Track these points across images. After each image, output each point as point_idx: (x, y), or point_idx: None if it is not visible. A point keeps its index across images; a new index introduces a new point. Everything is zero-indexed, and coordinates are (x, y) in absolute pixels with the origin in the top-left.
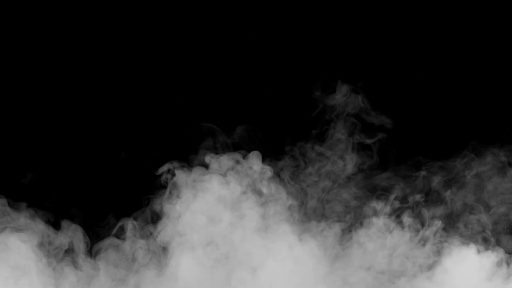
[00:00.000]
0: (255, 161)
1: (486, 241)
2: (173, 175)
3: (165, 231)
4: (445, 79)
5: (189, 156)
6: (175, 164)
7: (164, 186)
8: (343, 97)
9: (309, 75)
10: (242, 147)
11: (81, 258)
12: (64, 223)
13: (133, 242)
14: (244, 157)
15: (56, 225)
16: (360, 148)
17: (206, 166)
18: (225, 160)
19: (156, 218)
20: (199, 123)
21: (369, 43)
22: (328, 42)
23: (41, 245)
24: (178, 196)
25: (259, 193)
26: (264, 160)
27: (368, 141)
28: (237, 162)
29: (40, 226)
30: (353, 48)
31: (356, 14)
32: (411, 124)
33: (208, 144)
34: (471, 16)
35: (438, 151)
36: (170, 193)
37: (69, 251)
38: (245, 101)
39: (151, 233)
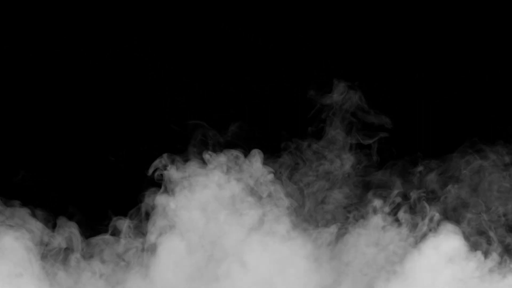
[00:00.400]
0: (254, 159)
1: (483, 239)
2: (167, 172)
3: (158, 228)
4: (445, 79)
5: (186, 153)
6: (169, 160)
7: (159, 183)
8: (340, 96)
9: (309, 75)
10: (236, 145)
11: (76, 256)
12: (60, 222)
13: (126, 240)
14: (244, 155)
15: (52, 224)
16: (357, 146)
17: (202, 163)
18: (222, 158)
19: (149, 215)
20: (198, 122)
21: (369, 43)
22: (327, 42)
23: (35, 243)
24: (172, 193)
25: (256, 191)
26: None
27: (366, 140)
28: (235, 159)
29: (34, 224)
30: (353, 48)
31: (356, 14)
32: (411, 124)
33: (203, 141)
34: (471, 16)
35: (438, 151)
36: (164, 190)
37: (64, 249)
38: (245, 101)
39: (144, 231)
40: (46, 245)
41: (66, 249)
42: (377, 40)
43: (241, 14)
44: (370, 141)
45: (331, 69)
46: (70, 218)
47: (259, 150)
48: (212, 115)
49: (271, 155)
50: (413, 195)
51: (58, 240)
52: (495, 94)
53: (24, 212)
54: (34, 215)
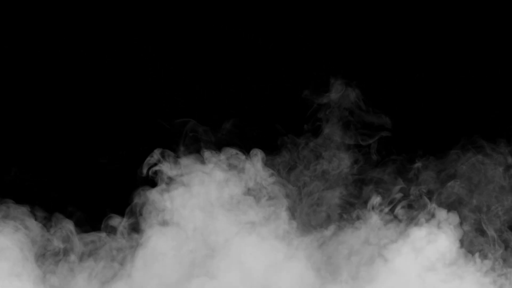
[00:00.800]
0: (254, 158)
1: (480, 237)
2: (162, 169)
3: (152, 226)
4: (445, 79)
5: (181, 151)
6: (164, 158)
7: (154, 180)
8: (338, 95)
9: (309, 75)
10: (233, 143)
11: (71, 254)
12: (56, 220)
13: (120, 237)
14: (242, 153)
15: (49, 222)
16: (356, 145)
17: (199, 161)
18: (220, 156)
19: (144, 213)
20: (188, 120)
21: (369, 43)
22: (327, 42)
23: (31, 241)
24: (167, 191)
25: (254, 190)
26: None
27: (365, 139)
28: (234, 158)
29: (31, 222)
30: (353, 48)
31: (356, 14)
32: (410, 124)
33: (197, 139)
34: (471, 16)
35: (439, 151)
36: (159, 187)
37: (60, 247)
38: (245, 101)
39: (138, 228)
40: (43, 243)
41: (62, 247)
42: (377, 40)
43: (241, 14)
44: (370, 141)
45: (331, 69)
46: (68, 217)
47: (260, 150)
48: (212, 115)
49: (269, 153)
50: (411, 192)
51: (54, 239)
52: (495, 93)
53: (19, 210)
54: (30, 213)
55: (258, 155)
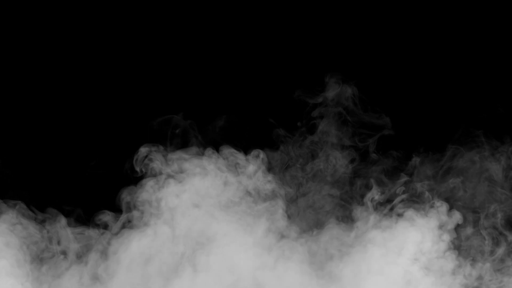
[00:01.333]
0: (252, 158)
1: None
2: (153, 165)
3: (142, 221)
4: (445, 79)
5: (173, 146)
6: (154, 154)
7: (143, 176)
8: (334, 93)
9: (306, 74)
10: (227, 141)
11: (63, 251)
12: (50, 218)
13: (111, 233)
14: (238, 150)
15: (42, 220)
16: (355, 144)
17: (196, 159)
18: (214, 152)
19: (133, 209)
20: (191, 119)
21: (368, 43)
22: (327, 42)
23: (24, 239)
24: (158, 187)
25: (250, 189)
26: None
27: (365, 139)
28: (231, 156)
29: (23, 221)
30: (352, 48)
31: (356, 14)
32: (412, 122)
33: (187, 136)
34: (475, 10)
35: (439, 148)
36: (149, 183)
37: (53, 245)
38: (241, 100)
39: (129, 224)
40: (37, 242)
41: (56, 244)
42: (376, 40)
43: (241, 14)
44: (369, 141)
45: (329, 69)
46: (61, 214)
47: (259, 149)
48: (209, 114)
49: (265, 150)
50: (409, 188)
51: (48, 237)
52: (499, 90)
53: (12, 209)
54: (23, 212)
55: (255, 154)
